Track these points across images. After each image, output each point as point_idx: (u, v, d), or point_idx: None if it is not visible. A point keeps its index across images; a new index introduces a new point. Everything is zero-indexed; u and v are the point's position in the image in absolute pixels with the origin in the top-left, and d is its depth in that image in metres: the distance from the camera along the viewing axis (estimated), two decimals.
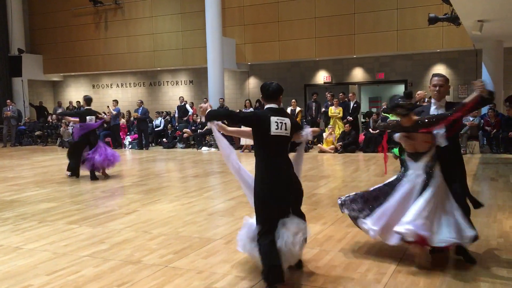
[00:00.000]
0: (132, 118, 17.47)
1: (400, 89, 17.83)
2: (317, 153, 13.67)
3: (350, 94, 15.14)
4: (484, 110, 13.09)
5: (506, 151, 12.40)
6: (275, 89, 3.95)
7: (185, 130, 16.31)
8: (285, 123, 3.86)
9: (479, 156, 12.16)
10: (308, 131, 4.09)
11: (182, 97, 18.49)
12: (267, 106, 3.97)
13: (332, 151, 13.54)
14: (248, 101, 16.09)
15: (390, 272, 4.07)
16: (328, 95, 14.99)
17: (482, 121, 13.12)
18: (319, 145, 14.11)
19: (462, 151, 5.07)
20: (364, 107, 19.29)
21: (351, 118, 14.21)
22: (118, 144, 16.67)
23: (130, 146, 16.85)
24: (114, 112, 16.35)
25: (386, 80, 17.87)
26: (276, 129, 3.82)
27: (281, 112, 3.93)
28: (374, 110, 17.47)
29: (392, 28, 16.75)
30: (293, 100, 15.18)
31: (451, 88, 16.88)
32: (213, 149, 15.43)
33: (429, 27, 13.96)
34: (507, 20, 10.66)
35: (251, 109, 14.98)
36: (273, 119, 3.83)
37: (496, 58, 13.81)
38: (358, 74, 18.36)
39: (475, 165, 10.45)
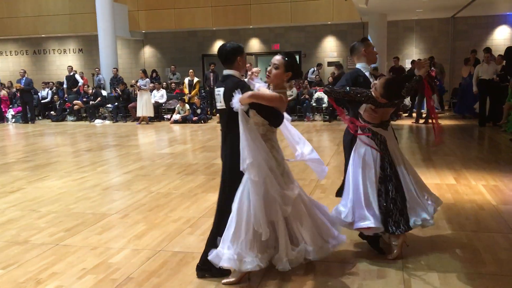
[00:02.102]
0: (14, 90, 16.05)
1: None
2: (216, 123, 13.70)
3: (248, 65, 15.23)
4: None
5: None
6: (223, 51, 3.32)
7: (75, 102, 15.39)
8: (220, 94, 3.26)
9: None
10: (235, 99, 3.08)
11: (71, 66, 17.33)
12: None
13: None
14: (143, 71, 15.03)
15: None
16: None
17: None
18: (218, 115, 14.15)
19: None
20: (262, 78, 19.61)
21: None
22: None
23: (14, 119, 15.54)
24: None
25: (281, 51, 18.25)
26: (219, 102, 3.31)
27: (222, 81, 3.33)
28: None
29: None
30: (191, 70, 14.97)
31: (341, 59, 17.79)
32: (107, 122, 14.76)
33: None
34: None
35: (147, 80, 14.43)
36: (216, 91, 3.30)
37: (380, 30, 14.77)
38: (254, 45, 18.56)
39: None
